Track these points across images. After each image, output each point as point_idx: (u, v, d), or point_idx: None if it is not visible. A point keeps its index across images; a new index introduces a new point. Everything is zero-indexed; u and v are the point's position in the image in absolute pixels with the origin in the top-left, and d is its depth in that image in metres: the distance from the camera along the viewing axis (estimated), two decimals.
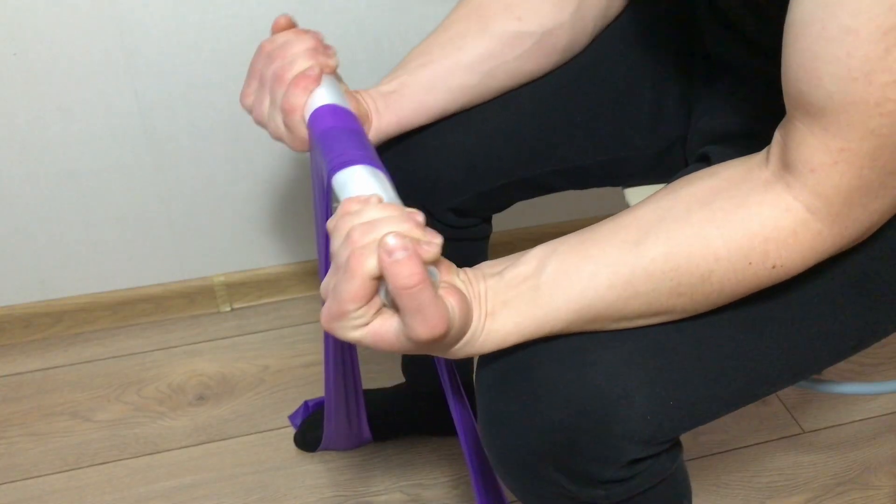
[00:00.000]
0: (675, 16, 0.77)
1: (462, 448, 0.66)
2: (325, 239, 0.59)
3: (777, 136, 0.50)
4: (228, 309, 1.36)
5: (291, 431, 1.15)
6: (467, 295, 0.50)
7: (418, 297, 0.45)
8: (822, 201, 0.47)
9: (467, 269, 0.53)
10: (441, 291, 0.48)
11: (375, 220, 0.48)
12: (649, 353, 0.54)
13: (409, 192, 0.77)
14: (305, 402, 1.17)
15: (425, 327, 0.46)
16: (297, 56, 0.63)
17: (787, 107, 0.48)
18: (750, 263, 0.49)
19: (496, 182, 0.77)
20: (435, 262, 0.48)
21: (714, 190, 0.51)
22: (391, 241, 0.44)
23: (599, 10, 0.74)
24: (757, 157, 0.51)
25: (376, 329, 0.48)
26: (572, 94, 0.75)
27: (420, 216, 0.49)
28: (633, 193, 0.84)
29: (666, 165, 0.80)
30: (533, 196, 0.82)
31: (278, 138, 0.65)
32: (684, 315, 0.54)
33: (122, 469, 1.11)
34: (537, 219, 1.42)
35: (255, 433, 1.16)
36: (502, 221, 1.39)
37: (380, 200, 0.50)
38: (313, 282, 1.38)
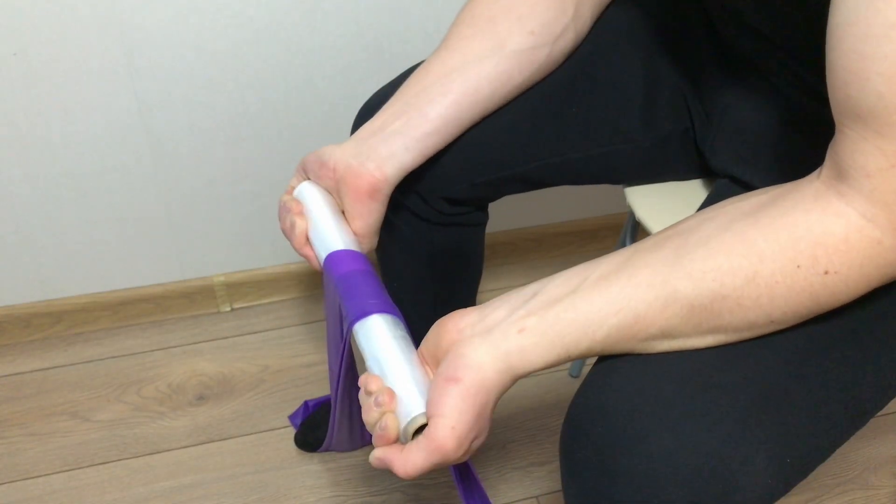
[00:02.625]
0: (671, 10, 0.77)
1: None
2: (336, 355, 0.69)
3: (829, 151, 0.48)
4: (228, 309, 1.36)
5: (291, 431, 1.15)
6: (465, 346, 0.52)
7: (416, 474, 0.51)
8: (880, 207, 0.45)
9: (482, 305, 0.55)
10: (428, 411, 0.51)
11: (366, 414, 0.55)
12: (764, 406, 0.50)
13: (403, 180, 0.77)
14: (305, 402, 1.17)
15: (449, 459, 0.51)
16: (292, 243, 0.71)
17: (836, 115, 0.46)
18: (798, 267, 0.46)
19: (490, 174, 0.77)
20: (394, 427, 0.53)
21: (760, 203, 0.49)
22: (373, 461, 0.54)
23: (595, 2, 0.74)
24: (808, 176, 0.50)
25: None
26: (565, 88, 0.75)
27: (372, 385, 0.55)
28: (634, 193, 0.84)
29: (662, 160, 0.80)
30: (528, 189, 0.82)
31: None
32: (741, 333, 0.50)
33: (122, 469, 1.11)
34: (537, 219, 1.42)
35: (255, 433, 1.16)
36: (502, 221, 1.39)
37: (365, 387, 0.56)
38: (313, 282, 1.38)
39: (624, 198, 0.85)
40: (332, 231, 0.69)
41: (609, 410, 0.51)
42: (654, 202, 0.83)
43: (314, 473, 1.10)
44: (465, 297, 0.92)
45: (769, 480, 0.49)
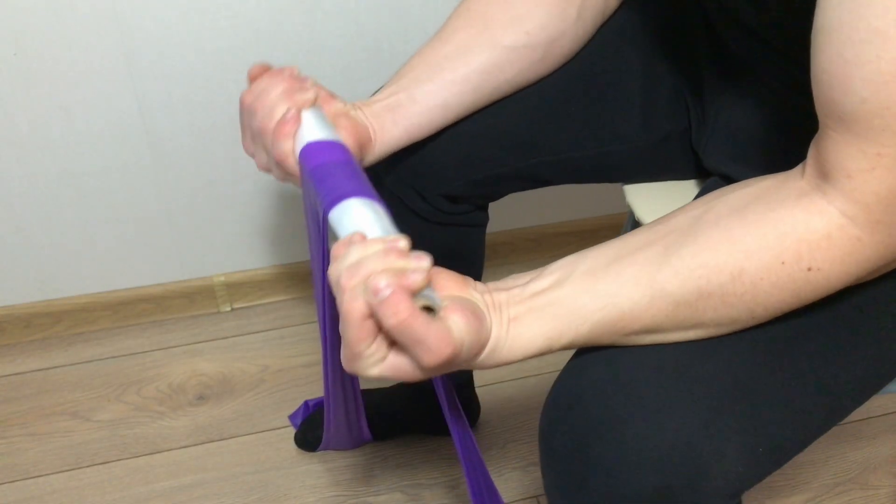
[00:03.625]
0: (671, 10, 0.77)
1: (462, 465, 0.64)
2: (321, 274, 0.60)
3: (811, 148, 0.49)
4: (228, 309, 1.36)
5: (291, 431, 1.15)
6: (481, 306, 0.50)
7: (409, 330, 0.45)
8: (859, 207, 0.45)
9: (489, 283, 0.54)
10: (443, 312, 0.48)
11: (359, 260, 0.48)
12: (738, 396, 0.51)
13: (402, 176, 0.77)
14: (305, 402, 1.17)
15: (429, 355, 0.46)
16: (274, 103, 0.63)
17: (820, 116, 0.47)
18: (783, 263, 0.47)
19: (489, 171, 0.77)
20: (425, 286, 0.47)
21: (746, 198, 0.50)
22: (373, 282, 0.45)
23: (598, 10, 0.74)
24: (793, 171, 0.50)
25: (392, 363, 0.48)
26: (565, 86, 0.76)
27: (403, 242, 0.49)
28: (634, 191, 0.84)
29: (661, 160, 0.80)
30: (527, 188, 0.82)
31: (285, 181, 0.66)
32: (721, 328, 0.51)
33: (122, 469, 1.11)
34: (537, 219, 1.42)
35: (255, 433, 1.16)
36: (502, 221, 1.39)
37: (363, 238, 0.50)
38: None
39: (624, 197, 0.85)
40: (321, 124, 0.62)
41: (585, 398, 0.52)
42: (653, 202, 0.83)
43: (314, 473, 1.10)
44: None
45: (740, 469, 0.50)
